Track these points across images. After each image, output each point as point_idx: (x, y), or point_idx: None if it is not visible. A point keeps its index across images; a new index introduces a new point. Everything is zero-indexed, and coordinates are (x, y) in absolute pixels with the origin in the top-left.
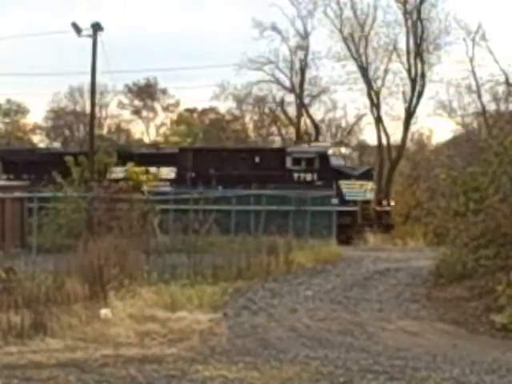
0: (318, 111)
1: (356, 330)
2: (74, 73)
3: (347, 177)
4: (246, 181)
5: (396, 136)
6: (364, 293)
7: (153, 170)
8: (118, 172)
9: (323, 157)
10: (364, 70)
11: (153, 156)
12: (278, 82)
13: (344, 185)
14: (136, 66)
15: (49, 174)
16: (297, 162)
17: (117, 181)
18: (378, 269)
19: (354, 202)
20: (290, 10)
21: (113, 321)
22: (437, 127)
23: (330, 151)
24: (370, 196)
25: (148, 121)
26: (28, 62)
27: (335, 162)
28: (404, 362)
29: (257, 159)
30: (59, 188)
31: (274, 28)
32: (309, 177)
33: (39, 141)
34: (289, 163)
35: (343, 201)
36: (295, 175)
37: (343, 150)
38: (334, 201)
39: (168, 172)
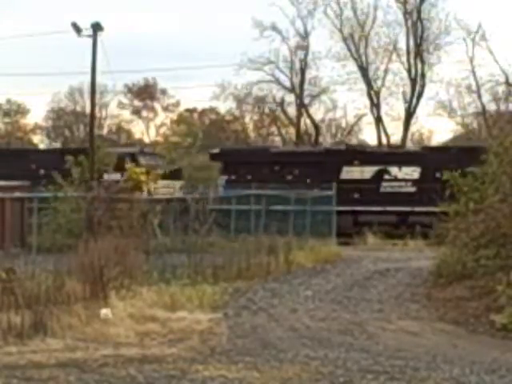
0: (317, 111)
1: (356, 330)
2: (74, 73)
3: None
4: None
5: (396, 136)
6: (364, 293)
7: (394, 170)
8: (350, 172)
9: None
10: (364, 70)
11: (392, 155)
12: (278, 82)
13: None
14: (136, 66)
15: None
16: None
17: (346, 182)
18: (377, 269)
19: None
20: (290, 10)
21: (113, 321)
22: (437, 127)
23: None
24: None
25: (148, 121)
26: (28, 62)
27: None
28: (404, 361)
29: None
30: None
31: (274, 28)
32: None
33: (39, 141)
34: None
35: None
36: None
37: None
38: None
39: (410, 172)
